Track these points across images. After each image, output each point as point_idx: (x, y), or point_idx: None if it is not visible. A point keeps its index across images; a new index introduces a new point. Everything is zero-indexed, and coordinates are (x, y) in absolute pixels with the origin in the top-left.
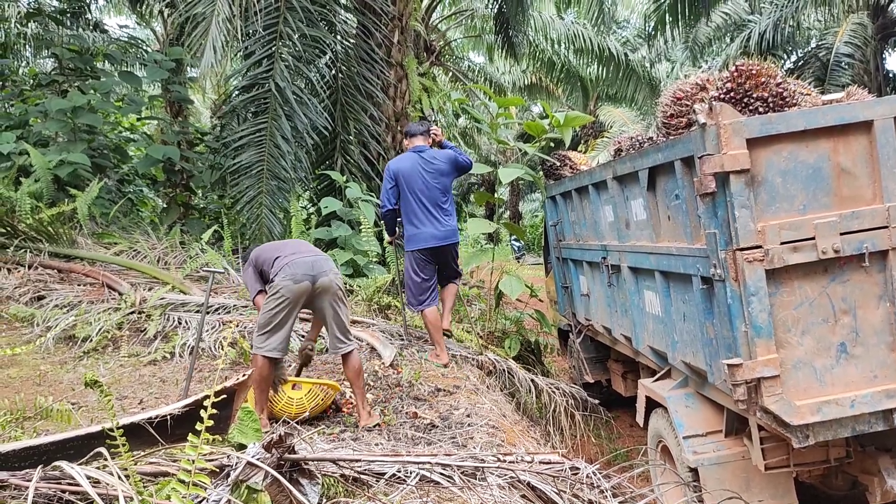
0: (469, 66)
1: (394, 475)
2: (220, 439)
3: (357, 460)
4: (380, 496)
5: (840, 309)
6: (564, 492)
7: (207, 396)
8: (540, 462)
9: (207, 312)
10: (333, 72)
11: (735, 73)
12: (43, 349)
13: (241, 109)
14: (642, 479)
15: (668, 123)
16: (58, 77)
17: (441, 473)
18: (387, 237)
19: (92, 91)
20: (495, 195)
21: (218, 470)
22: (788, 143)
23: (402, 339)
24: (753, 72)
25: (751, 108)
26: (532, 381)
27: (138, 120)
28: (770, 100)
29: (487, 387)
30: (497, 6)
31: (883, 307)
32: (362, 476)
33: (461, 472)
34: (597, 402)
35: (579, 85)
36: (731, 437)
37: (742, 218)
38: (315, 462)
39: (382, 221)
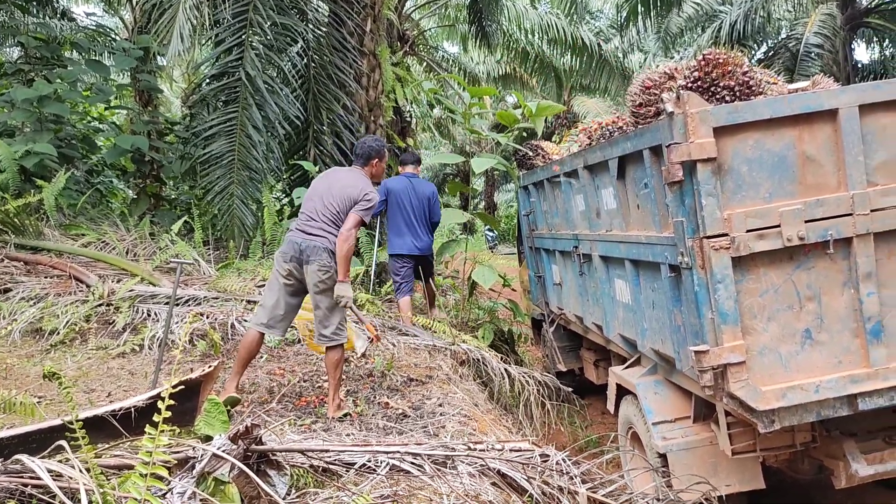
0: (443, 56)
1: (364, 465)
2: (186, 431)
3: (326, 450)
4: (349, 486)
5: (805, 296)
6: (534, 479)
7: (177, 385)
8: (510, 450)
9: (177, 304)
10: (305, 61)
11: (702, 62)
12: (9, 342)
13: (211, 98)
14: (613, 464)
15: (636, 112)
16: (23, 66)
17: (411, 462)
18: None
19: (59, 80)
20: (470, 185)
21: (182, 462)
22: (755, 132)
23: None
24: (720, 61)
25: (718, 96)
26: (505, 370)
27: (106, 109)
28: (737, 88)
29: (461, 376)
30: None
31: (847, 294)
32: (332, 466)
33: (431, 461)
34: (569, 390)
35: (553, 75)
36: (699, 422)
37: (709, 206)
38: (283, 453)
39: None
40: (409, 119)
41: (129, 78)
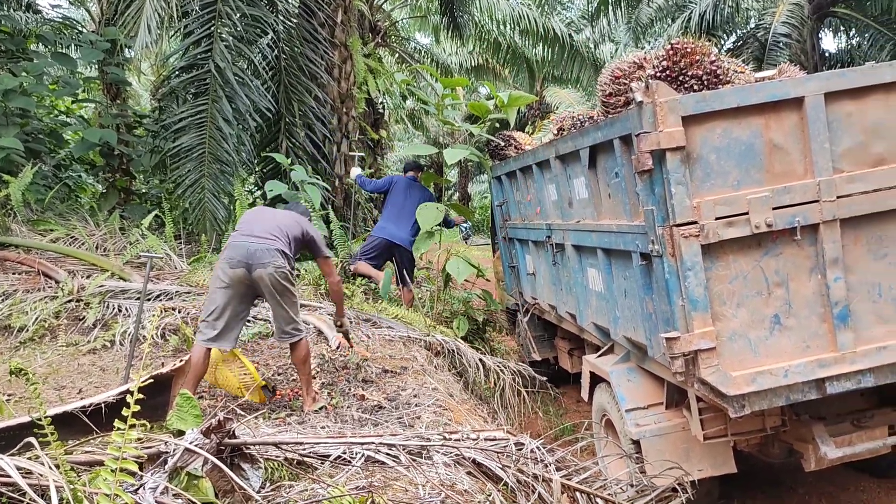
0: (415, 48)
1: (339, 457)
2: (159, 426)
3: (300, 443)
4: (325, 478)
5: (773, 282)
6: (509, 467)
7: (147, 380)
8: (485, 439)
9: (148, 299)
10: (276, 52)
11: (670, 52)
12: None
13: (180, 91)
14: (588, 452)
15: (606, 102)
16: None
17: (386, 454)
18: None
19: (24, 73)
20: (443, 177)
21: (154, 458)
22: (722, 120)
23: (351, 321)
24: (688, 50)
25: (686, 85)
26: (480, 360)
27: (73, 103)
28: (704, 77)
29: (436, 367)
30: None
31: (814, 279)
32: (307, 459)
33: (407, 452)
34: (544, 378)
35: (525, 66)
36: (671, 408)
37: (678, 194)
38: (257, 446)
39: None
40: (381, 111)
41: (97, 71)
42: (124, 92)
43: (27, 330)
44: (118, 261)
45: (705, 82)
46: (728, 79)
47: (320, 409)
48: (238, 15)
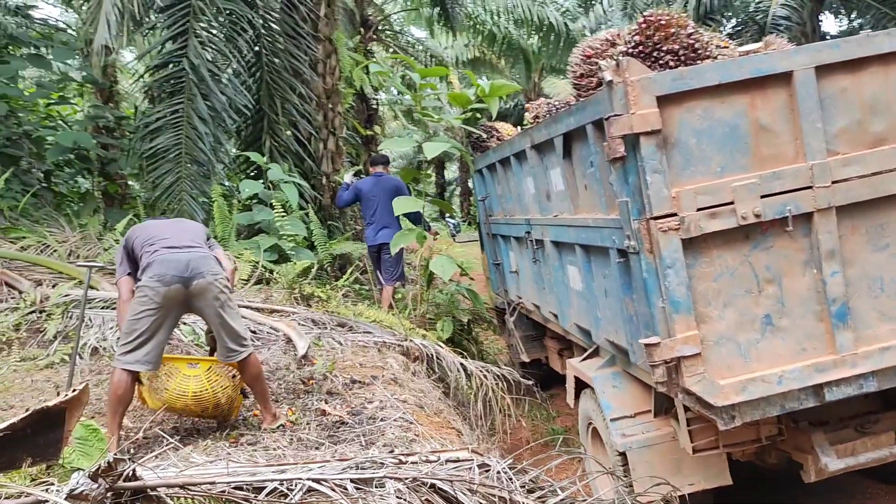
0: (409, 42)
1: (275, 490)
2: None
3: (213, 482)
4: None
5: (764, 278)
6: (474, 492)
7: (32, 415)
8: (446, 460)
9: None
10: (257, 48)
11: (643, 25)
12: None
13: (156, 90)
14: (578, 461)
15: (578, 84)
16: None
17: (332, 484)
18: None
19: None
20: (423, 171)
21: None
22: (702, 100)
23: (323, 327)
24: (662, 22)
25: (661, 62)
26: (461, 364)
27: (49, 105)
28: (681, 52)
29: (413, 374)
30: None
31: (809, 274)
32: (236, 493)
33: (354, 480)
34: (530, 382)
35: (522, 57)
36: (660, 417)
37: (654, 184)
38: (166, 488)
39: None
40: (374, 107)
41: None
42: (117, 94)
43: None
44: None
45: (682, 58)
46: (708, 53)
47: (278, 427)
48: (213, 10)
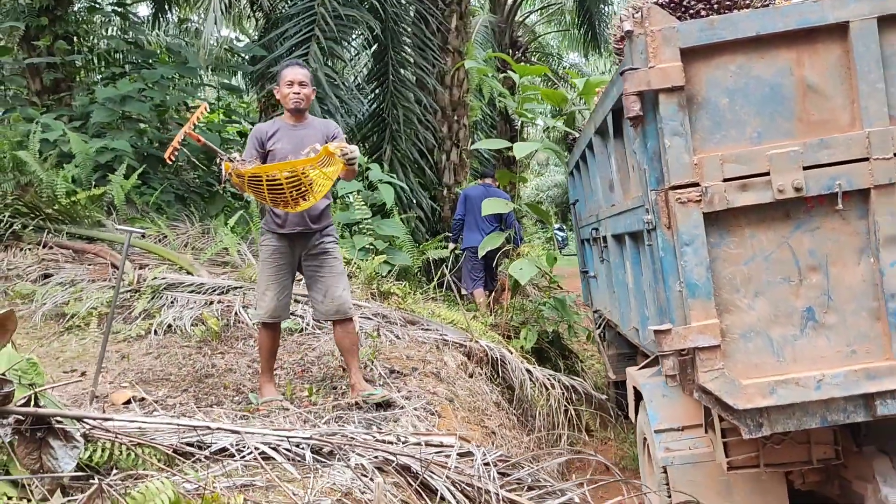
0: (563, 67)
1: (224, 449)
2: None
3: (108, 418)
4: (188, 470)
5: (807, 265)
6: (444, 476)
7: None
8: (427, 443)
9: (201, 292)
10: (384, 58)
11: None
12: (30, 324)
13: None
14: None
15: (619, 49)
16: (116, 69)
17: (286, 450)
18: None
19: (141, 80)
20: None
21: None
22: (737, 54)
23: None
24: None
25: (691, 13)
26: (527, 370)
27: (188, 109)
28: (715, 4)
29: (471, 374)
30: None
31: (864, 263)
32: (188, 448)
33: (315, 451)
34: (604, 398)
35: None
36: (711, 431)
37: (674, 148)
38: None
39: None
40: (517, 126)
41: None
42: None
43: (76, 316)
44: (189, 256)
45: (717, 10)
46: (747, 3)
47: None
48: (334, 16)
